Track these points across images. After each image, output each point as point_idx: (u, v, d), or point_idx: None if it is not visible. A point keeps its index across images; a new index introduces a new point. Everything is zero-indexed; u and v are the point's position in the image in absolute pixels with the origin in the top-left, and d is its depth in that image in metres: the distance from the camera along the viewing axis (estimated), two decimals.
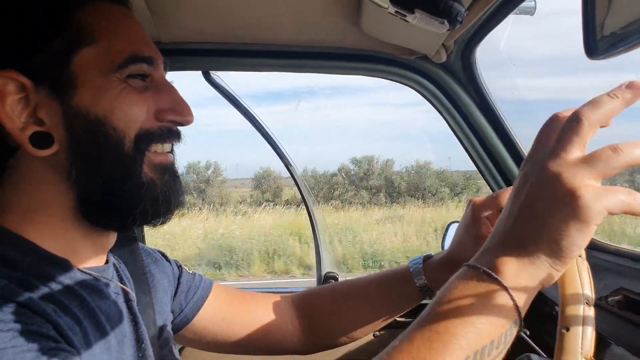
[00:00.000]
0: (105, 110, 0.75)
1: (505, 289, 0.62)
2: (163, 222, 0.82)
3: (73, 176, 0.75)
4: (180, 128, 0.84)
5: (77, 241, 0.78)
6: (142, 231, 1.90)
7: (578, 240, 0.60)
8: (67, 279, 0.73)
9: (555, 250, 0.61)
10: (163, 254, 1.10)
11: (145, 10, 1.28)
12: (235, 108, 1.85)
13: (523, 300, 0.62)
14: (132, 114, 0.77)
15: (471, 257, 0.95)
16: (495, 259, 0.65)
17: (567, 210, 0.60)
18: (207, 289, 1.11)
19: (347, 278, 2.02)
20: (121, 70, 0.76)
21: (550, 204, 0.61)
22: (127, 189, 0.77)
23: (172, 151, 0.84)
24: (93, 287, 0.77)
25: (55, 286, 0.70)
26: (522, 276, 0.63)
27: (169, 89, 0.83)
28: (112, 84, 0.76)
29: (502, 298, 0.62)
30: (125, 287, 0.86)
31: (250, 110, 1.87)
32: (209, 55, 1.63)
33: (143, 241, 1.89)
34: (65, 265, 0.74)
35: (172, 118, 0.81)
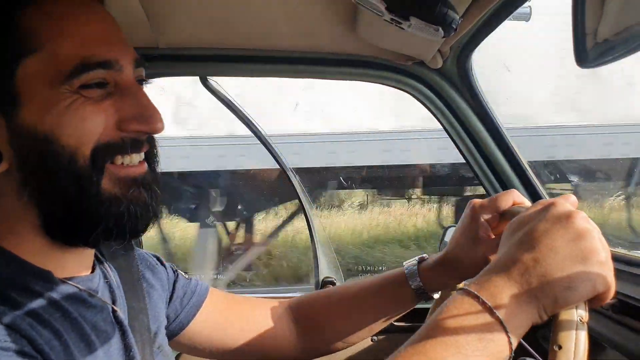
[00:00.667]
0: (52, 127, 0.68)
1: (504, 327, 0.64)
2: (132, 239, 0.77)
3: (26, 195, 0.71)
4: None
5: (57, 253, 0.75)
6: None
7: (582, 294, 0.65)
8: (48, 291, 0.71)
9: (555, 299, 0.65)
10: (158, 259, 1.08)
11: (142, 15, 1.28)
12: (233, 113, 1.85)
13: (516, 338, 0.65)
14: (84, 129, 0.69)
15: (467, 260, 0.97)
16: (496, 291, 0.66)
17: (585, 269, 0.65)
18: (203, 294, 1.10)
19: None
20: (70, 81, 0.68)
21: (570, 257, 0.65)
22: (85, 207, 0.71)
23: (149, 158, 0.79)
24: (77, 297, 0.75)
25: (35, 299, 0.68)
26: (519, 314, 0.65)
27: (135, 94, 0.75)
28: (61, 96, 0.68)
29: (499, 335, 0.64)
30: (106, 301, 0.81)
31: (247, 115, 1.88)
32: (206, 61, 1.63)
33: (140, 245, 1.89)
34: (47, 277, 0.72)
35: (136, 128, 0.73)
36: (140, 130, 0.74)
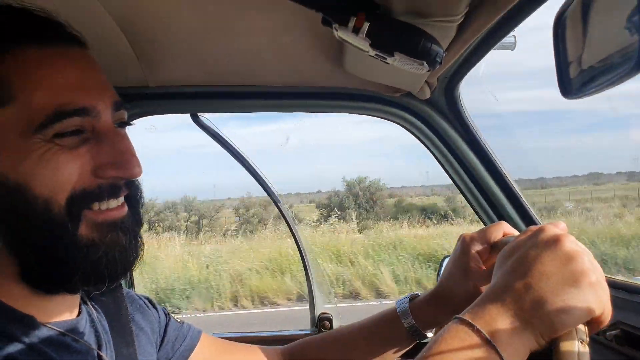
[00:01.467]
0: (25, 176, 0.67)
1: (500, 356, 0.63)
2: (111, 284, 0.76)
3: (3, 243, 0.70)
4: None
5: (39, 298, 0.73)
6: (131, 275, 1.87)
7: (577, 317, 0.64)
8: (30, 337, 0.69)
9: (551, 324, 0.64)
10: (150, 301, 1.07)
11: (132, 55, 1.30)
12: (223, 148, 1.85)
13: None
14: (58, 177, 0.68)
15: (458, 293, 0.97)
16: (491, 319, 0.66)
17: (578, 292, 0.65)
18: (195, 338, 1.08)
19: (341, 315, 2.00)
20: (43, 131, 0.67)
21: (561, 280, 0.65)
22: (62, 255, 0.70)
23: (130, 201, 0.78)
24: (60, 342, 0.73)
25: (17, 346, 0.67)
26: (515, 342, 0.65)
27: (112, 138, 0.74)
28: (34, 146, 0.67)
29: None
30: (90, 346, 0.80)
31: (236, 147, 1.88)
32: (196, 98, 1.64)
33: (132, 286, 1.86)
34: (29, 323, 0.71)
35: (113, 174, 0.72)
36: (117, 176, 0.73)
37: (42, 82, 0.69)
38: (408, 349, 1.09)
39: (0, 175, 0.68)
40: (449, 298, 1.00)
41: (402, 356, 1.11)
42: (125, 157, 0.74)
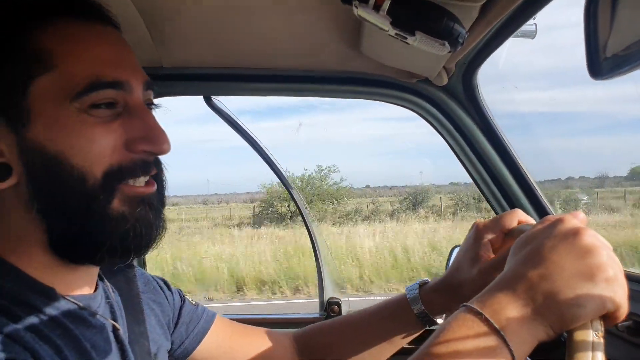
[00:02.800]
0: (62, 146, 0.69)
1: (507, 346, 0.62)
2: (136, 257, 0.78)
3: (34, 210, 0.71)
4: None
5: (61, 270, 0.75)
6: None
7: (590, 312, 0.63)
8: (50, 308, 0.71)
9: (562, 316, 0.63)
10: (165, 282, 1.08)
11: (147, 35, 1.29)
12: (236, 131, 1.84)
13: (520, 357, 0.63)
14: (94, 150, 0.70)
15: (466, 279, 0.96)
16: (499, 307, 0.65)
17: (593, 286, 0.63)
18: (209, 321, 1.10)
19: (350, 300, 2.00)
20: (80, 99, 0.69)
21: (577, 274, 0.64)
22: (92, 225, 0.72)
23: (157, 180, 0.79)
24: (77, 315, 0.75)
25: (37, 315, 0.69)
26: (523, 332, 0.64)
27: (142, 114, 0.76)
28: (70, 116, 0.70)
29: (502, 353, 0.62)
30: (107, 319, 0.81)
31: (250, 133, 1.87)
32: (210, 80, 1.63)
33: (144, 266, 1.87)
34: (49, 294, 0.72)
35: (144, 148, 0.75)
36: (147, 150, 0.75)
37: (82, 54, 0.71)
38: (416, 335, 1.08)
39: (38, 144, 0.69)
40: (458, 286, 1.00)
41: (410, 342, 1.11)
42: (155, 132, 0.76)
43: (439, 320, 1.07)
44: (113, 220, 0.72)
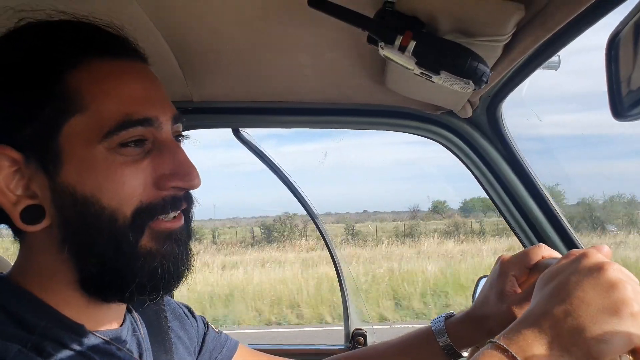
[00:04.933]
0: (93, 189, 0.69)
1: None
2: (165, 294, 0.77)
3: (66, 251, 0.71)
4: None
5: (90, 307, 0.75)
6: None
7: (616, 347, 0.63)
8: (80, 344, 0.72)
9: (589, 353, 0.63)
10: (189, 310, 1.08)
11: (178, 71, 1.34)
12: (263, 163, 1.88)
13: None
14: (125, 191, 0.70)
15: (493, 314, 0.96)
16: (526, 344, 0.65)
17: (619, 321, 0.63)
18: (233, 349, 1.10)
19: (374, 328, 1.98)
20: (110, 138, 0.69)
21: (602, 309, 0.64)
22: (121, 264, 0.72)
23: (185, 214, 0.79)
24: (105, 351, 0.76)
25: (68, 351, 0.69)
26: None
27: (172, 150, 0.75)
28: (99, 156, 0.69)
29: None
30: (133, 355, 0.82)
31: (278, 164, 1.90)
32: (238, 113, 1.68)
33: (171, 295, 1.89)
34: (79, 330, 0.73)
35: (174, 184, 0.74)
36: (178, 186, 0.75)
37: (111, 93, 0.71)
38: None
39: (69, 186, 0.70)
40: (484, 319, 0.99)
41: None
42: (185, 168, 0.75)
43: (465, 354, 1.06)
44: (142, 258, 0.72)
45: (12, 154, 0.69)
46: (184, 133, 0.84)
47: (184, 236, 0.78)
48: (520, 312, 0.91)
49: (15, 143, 0.69)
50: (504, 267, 0.98)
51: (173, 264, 0.75)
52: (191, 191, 0.80)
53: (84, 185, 0.70)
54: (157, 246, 0.74)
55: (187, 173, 0.75)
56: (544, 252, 0.95)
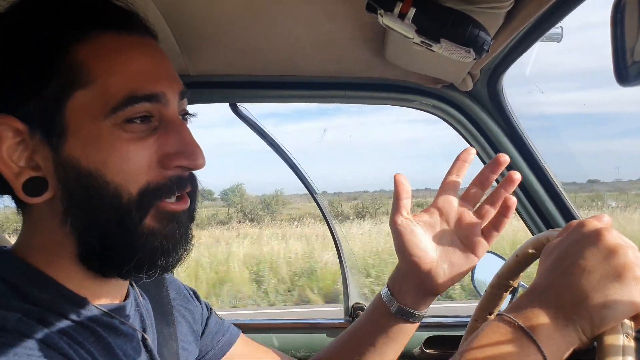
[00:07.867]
0: (97, 164, 0.69)
1: (542, 353, 0.62)
2: (162, 274, 0.77)
3: (68, 224, 0.71)
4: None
5: (92, 281, 0.75)
6: None
7: (620, 313, 0.63)
8: (83, 317, 0.72)
9: (592, 320, 0.63)
10: (195, 293, 1.08)
11: (174, 44, 1.32)
12: (261, 138, 1.86)
13: None
14: (129, 167, 0.70)
15: (408, 261, 0.92)
16: (532, 315, 0.65)
17: (621, 287, 0.63)
18: (234, 336, 1.10)
19: None
20: (115, 113, 0.69)
21: (603, 275, 0.64)
22: (123, 242, 0.72)
23: (190, 196, 0.79)
24: (109, 324, 0.76)
25: (71, 323, 0.69)
26: (556, 339, 0.64)
27: (178, 129, 0.75)
28: (105, 131, 0.69)
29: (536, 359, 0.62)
30: (136, 329, 0.82)
31: (276, 140, 1.89)
32: (236, 88, 1.66)
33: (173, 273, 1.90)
34: (82, 303, 0.73)
35: (179, 163, 0.74)
36: (183, 165, 0.74)
37: (119, 68, 0.71)
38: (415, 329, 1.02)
39: (72, 160, 0.69)
40: (408, 270, 0.95)
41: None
42: (191, 148, 0.75)
43: (421, 313, 0.99)
44: (144, 236, 0.72)
45: (17, 125, 0.69)
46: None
47: (186, 219, 0.78)
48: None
49: (20, 115, 0.69)
50: (395, 228, 0.94)
51: (173, 245, 0.75)
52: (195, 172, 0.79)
53: (89, 160, 0.69)
54: (160, 226, 0.73)
55: (192, 152, 0.75)
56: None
